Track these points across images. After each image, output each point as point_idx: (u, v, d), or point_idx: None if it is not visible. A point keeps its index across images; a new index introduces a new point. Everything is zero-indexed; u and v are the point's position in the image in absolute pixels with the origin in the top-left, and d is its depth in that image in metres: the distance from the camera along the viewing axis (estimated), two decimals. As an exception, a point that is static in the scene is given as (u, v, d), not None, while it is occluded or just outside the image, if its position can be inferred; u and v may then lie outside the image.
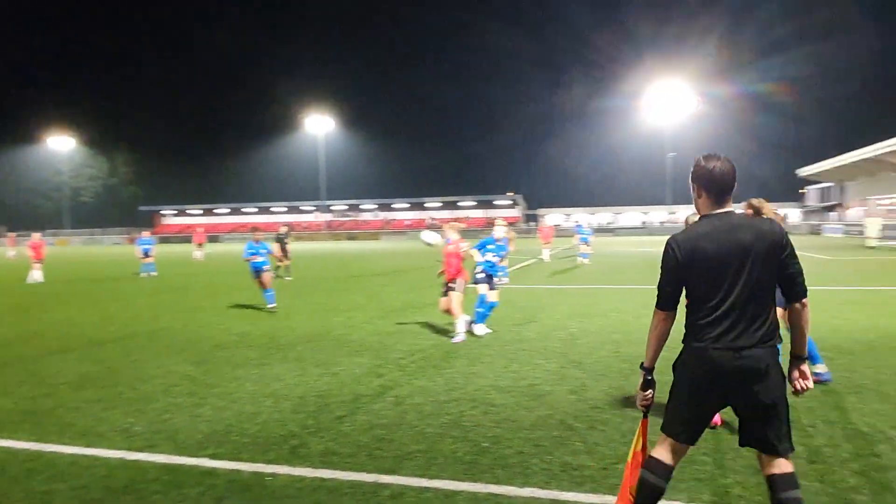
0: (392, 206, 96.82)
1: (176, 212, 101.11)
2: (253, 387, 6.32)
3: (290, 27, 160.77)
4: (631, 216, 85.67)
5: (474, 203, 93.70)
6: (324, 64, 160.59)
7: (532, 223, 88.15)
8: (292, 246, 20.70)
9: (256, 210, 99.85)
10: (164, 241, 76.16)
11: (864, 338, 8.06)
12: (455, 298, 8.66)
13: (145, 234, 22.77)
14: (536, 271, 20.47)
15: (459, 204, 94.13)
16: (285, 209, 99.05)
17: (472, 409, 5.41)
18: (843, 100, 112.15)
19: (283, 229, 20.19)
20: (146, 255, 21.45)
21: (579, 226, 25.41)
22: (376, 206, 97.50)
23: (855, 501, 3.56)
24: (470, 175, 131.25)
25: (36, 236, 21.07)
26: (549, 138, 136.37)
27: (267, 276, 11.99)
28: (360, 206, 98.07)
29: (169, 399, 5.94)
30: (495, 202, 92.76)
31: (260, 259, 12.02)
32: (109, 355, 8.05)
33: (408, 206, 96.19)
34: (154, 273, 21.42)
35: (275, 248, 19.34)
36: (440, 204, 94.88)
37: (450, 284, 8.77)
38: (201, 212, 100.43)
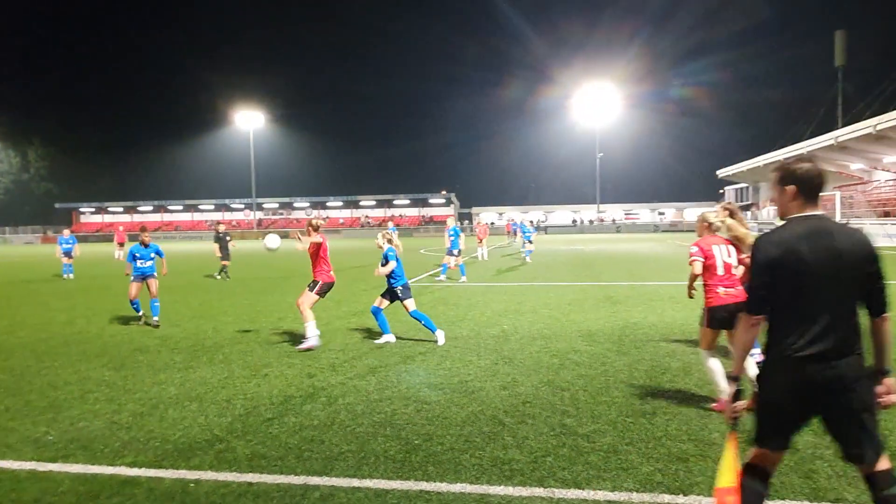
0: (326, 204, 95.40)
1: (95, 209, 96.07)
2: (176, 391, 6.09)
3: (219, 18, 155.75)
4: (562, 215, 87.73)
5: (409, 201, 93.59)
6: (255, 57, 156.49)
7: (466, 222, 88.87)
8: (236, 246, 19.85)
9: (182, 208, 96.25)
10: (83, 239, 72.18)
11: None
12: (308, 298, 8.16)
13: (66, 233, 21.13)
14: (470, 269, 20.65)
15: (394, 202, 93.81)
16: (213, 207, 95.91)
17: (404, 408, 5.41)
18: (758, 104, 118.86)
19: (222, 227, 19.63)
20: (68, 255, 20.08)
21: (522, 224, 26.05)
22: (309, 205, 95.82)
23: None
24: (404, 173, 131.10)
25: None
26: (482, 137, 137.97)
27: (154, 284, 10.40)
28: (293, 205, 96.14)
29: (85, 406, 5.64)
30: (430, 200, 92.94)
31: (147, 263, 10.47)
32: (19, 362, 7.57)
33: (342, 204, 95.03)
34: (71, 275, 20.16)
35: (214, 248, 19.00)
36: (374, 202, 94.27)
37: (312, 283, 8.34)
38: (122, 209, 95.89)
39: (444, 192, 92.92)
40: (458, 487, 3.81)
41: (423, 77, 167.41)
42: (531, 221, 29.09)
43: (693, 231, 52.50)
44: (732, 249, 5.36)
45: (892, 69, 62.41)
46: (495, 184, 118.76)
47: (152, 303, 10.22)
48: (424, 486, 3.85)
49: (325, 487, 3.84)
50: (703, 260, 5.28)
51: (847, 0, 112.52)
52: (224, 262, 18.68)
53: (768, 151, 57.00)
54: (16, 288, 17.52)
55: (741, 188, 78.29)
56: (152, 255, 10.56)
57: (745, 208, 74.73)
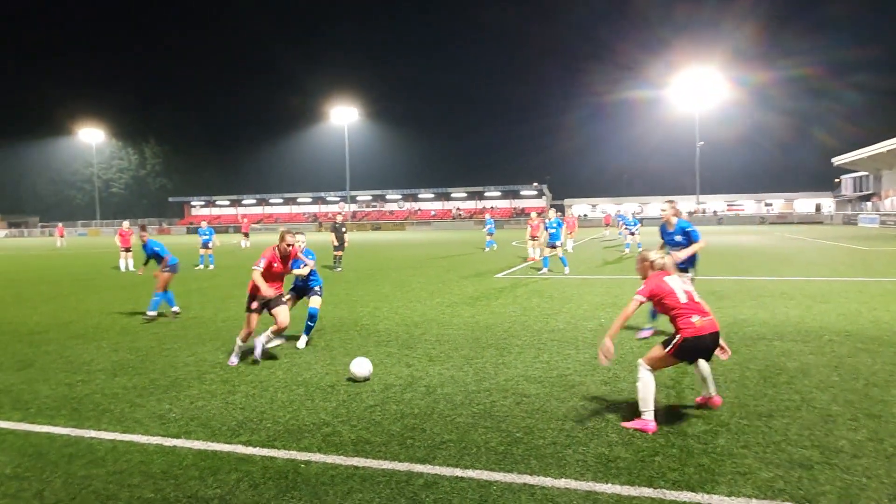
0: (417, 196, 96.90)
1: (204, 202, 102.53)
2: (284, 375, 6.37)
3: (314, 18, 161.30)
4: (658, 206, 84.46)
5: (500, 193, 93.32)
6: (349, 53, 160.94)
7: (559, 214, 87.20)
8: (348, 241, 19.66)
9: (282, 201, 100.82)
10: (193, 231, 77.18)
11: (905, 330, 7.81)
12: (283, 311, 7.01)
13: (204, 225, 21.90)
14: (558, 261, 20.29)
15: (485, 194, 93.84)
16: (310, 200, 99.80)
17: (503, 400, 5.37)
18: (882, 86, 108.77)
19: (340, 218, 19.58)
20: (206, 246, 20.84)
21: (623, 216, 25.73)
22: (401, 197, 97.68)
23: (868, 487, 3.44)
24: (496, 164, 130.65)
25: (125, 225, 21.81)
26: (573, 127, 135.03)
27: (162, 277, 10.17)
28: (386, 197, 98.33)
29: (202, 386, 6.01)
30: (521, 192, 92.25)
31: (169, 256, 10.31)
32: (143, 344, 8.18)
33: (433, 196, 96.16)
34: (212, 266, 20.76)
35: (331, 237, 19.11)
36: (465, 194, 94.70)
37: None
38: (228, 202, 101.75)
39: (535, 184, 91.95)
40: (562, 483, 3.74)
41: (512, 67, 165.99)
42: (633, 213, 28.40)
43: (805, 223, 49.03)
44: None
45: None
46: (588, 174, 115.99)
47: (166, 296, 10.19)
48: (528, 479, 3.80)
49: (428, 475, 3.88)
50: (644, 300, 4.81)
51: None
52: (338, 253, 18.75)
53: (893, 136, 52.12)
54: (144, 274, 18.91)
55: (860, 177, 72.30)
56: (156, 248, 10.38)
57: (866, 198, 68.95)
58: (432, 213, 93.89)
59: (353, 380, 6.00)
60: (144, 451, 4.40)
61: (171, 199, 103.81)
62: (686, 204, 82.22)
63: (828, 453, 4.07)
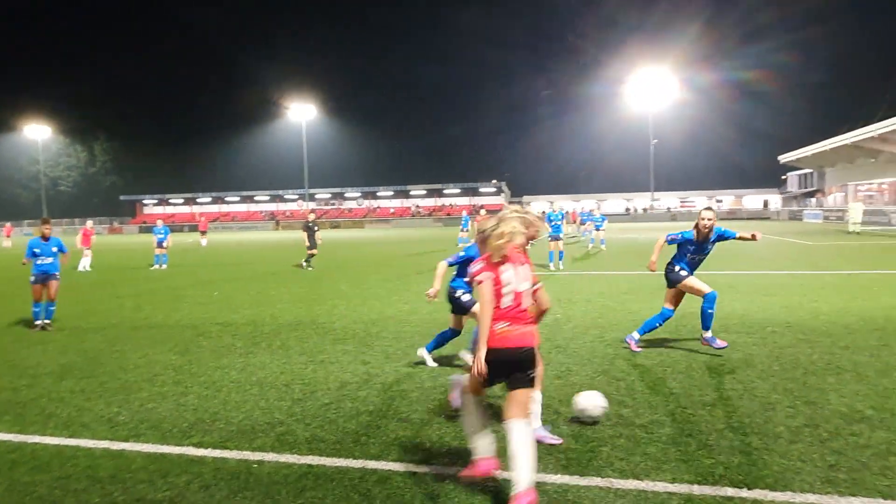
0: (376, 194, 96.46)
1: (157, 201, 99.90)
2: (238, 375, 6.30)
3: (270, 14, 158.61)
4: (614, 203, 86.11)
5: (459, 190, 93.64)
6: (305, 51, 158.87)
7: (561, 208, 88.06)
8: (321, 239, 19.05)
9: (239, 199, 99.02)
10: (146, 231, 75.22)
11: (842, 321, 8.19)
12: None
13: (159, 224, 21.28)
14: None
15: (444, 192, 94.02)
16: (268, 198, 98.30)
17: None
18: (823, 87, 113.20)
19: (312, 217, 19.18)
20: (160, 245, 20.24)
21: (591, 213, 26.23)
22: (360, 195, 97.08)
23: (835, 480, 3.63)
24: (455, 162, 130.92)
25: (88, 224, 21.22)
26: (532, 124, 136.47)
27: (54, 286, 9.25)
28: (344, 195, 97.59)
29: (153, 388, 5.90)
30: (481, 189, 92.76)
31: (48, 260, 9.32)
32: (92, 346, 7.96)
33: (392, 194, 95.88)
34: (164, 265, 20.08)
35: (303, 236, 18.50)
36: (425, 192, 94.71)
37: None
38: (182, 201, 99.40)
39: (494, 181, 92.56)
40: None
41: (472, 63, 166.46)
42: (592, 210, 28.73)
43: (753, 219, 50.61)
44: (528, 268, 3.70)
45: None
46: (545, 172, 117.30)
47: (48, 306, 9.22)
48: (480, 472, 3.86)
49: (382, 471, 3.91)
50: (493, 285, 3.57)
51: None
52: (312, 252, 18.26)
53: (836, 135, 54.32)
54: (88, 277, 18.38)
55: (805, 174, 75.05)
56: (54, 249, 9.46)
57: (810, 195, 71.66)
58: (391, 210, 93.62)
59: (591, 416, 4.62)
60: (91, 455, 4.30)
61: (122, 198, 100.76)
62: (641, 200, 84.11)
63: (766, 439, 4.26)
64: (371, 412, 5.06)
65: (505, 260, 3.61)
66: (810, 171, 72.42)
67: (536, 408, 4.21)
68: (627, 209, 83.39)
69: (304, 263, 18.33)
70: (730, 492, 3.52)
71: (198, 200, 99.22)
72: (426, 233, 52.63)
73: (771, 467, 3.82)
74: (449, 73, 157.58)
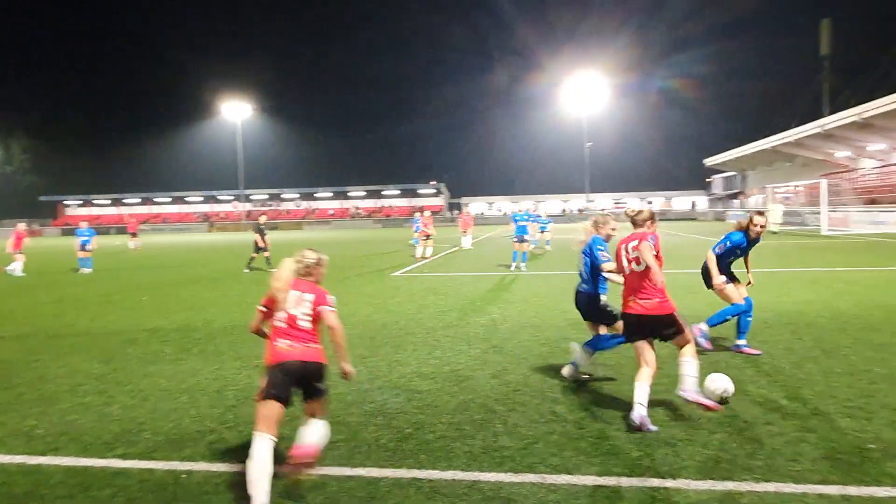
0: (315, 195, 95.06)
1: (81, 202, 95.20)
2: (167, 383, 6.09)
3: (203, 9, 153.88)
4: (551, 204, 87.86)
5: (398, 192, 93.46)
6: (241, 47, 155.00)
7: (455, 212, 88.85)
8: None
9: (170, 200, 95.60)
10: (69, 233, 71.54)
11: (760, 316, 8.63)
12: None
13: (83, 225, 20.22)
14: (459, 259, 20.70)
15: (384, 193, 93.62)
16: (202, 199, 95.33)
17: (395, 397, 5.44)
18: (744, 95, 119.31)
19: (264, 219, 19.33)
20: (83, 248, 19.26)
21: (538, 215, 26.01)
22: (298, 196, 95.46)
23: (752, 467, 3.83)
24: (395, 163, 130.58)
25: (20, 226, 19.74)
26: (471, 126, 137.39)
27: None
28: (282, 196, 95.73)
29: (75, 399, 5.62)
30: (419, 191, 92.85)
31: None
32: (7, 355, 7.52)
33: (331, 195, 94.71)
34: (89, 269, 19.15)
35: (256, 238, 18.36)
36: (364, 193, 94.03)
37: None
38: (109, 202, 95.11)
39: (433, 183, 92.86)
40: (449, 475, 3.85)
41: (410, 63, 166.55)
42: (544, 212, 28.81)
43: (682, 219, 52.35)
44: (310, 297, 4.00)
45: (875, 58, 62.89)
46: (484, 173, 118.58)
47: None
48: (416, 473, 3.88)
49: (316, 476, 3.86)
50: (263, 311, 4.09)
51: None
52: (266, 254, 18.12)
53: (756, 140, 57.27)
54: (14, 280, 17.31)
55: (729, 176, 78.68)
56: None
57: (734, 196, 75.17)
58: (330, 212, 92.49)
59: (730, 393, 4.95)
60: (5, 471, 4.07)
61: (42, 199, 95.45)
62: (576, 201, 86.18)
63: (690, 431, 4.45)
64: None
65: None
66: (733, 173, 76.03)
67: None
68: (563, 210, 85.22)
69: (248, 265, 18.15)
70: (655, 482, 3.67)
71: (125, 201, 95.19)
72: (366, 234, 52.27)
73: (694, 457, 4.00)
74: (389, 73, 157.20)
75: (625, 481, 3.70)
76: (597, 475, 3.79)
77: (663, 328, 4.80)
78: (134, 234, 34.04)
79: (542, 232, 24.75)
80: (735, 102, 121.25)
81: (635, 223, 5.00)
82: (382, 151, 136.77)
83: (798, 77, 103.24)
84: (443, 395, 5.47)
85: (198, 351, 7.48)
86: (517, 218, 16.65)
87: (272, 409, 3.71)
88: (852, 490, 3.49)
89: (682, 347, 4.84)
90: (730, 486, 3.59)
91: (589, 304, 5.71)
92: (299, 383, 3.86)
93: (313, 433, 3.76)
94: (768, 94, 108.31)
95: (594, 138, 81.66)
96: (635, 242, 4.76)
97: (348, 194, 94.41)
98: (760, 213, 6.94)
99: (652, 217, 4.96)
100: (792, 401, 5.05)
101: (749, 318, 6.80)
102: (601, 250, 5.58)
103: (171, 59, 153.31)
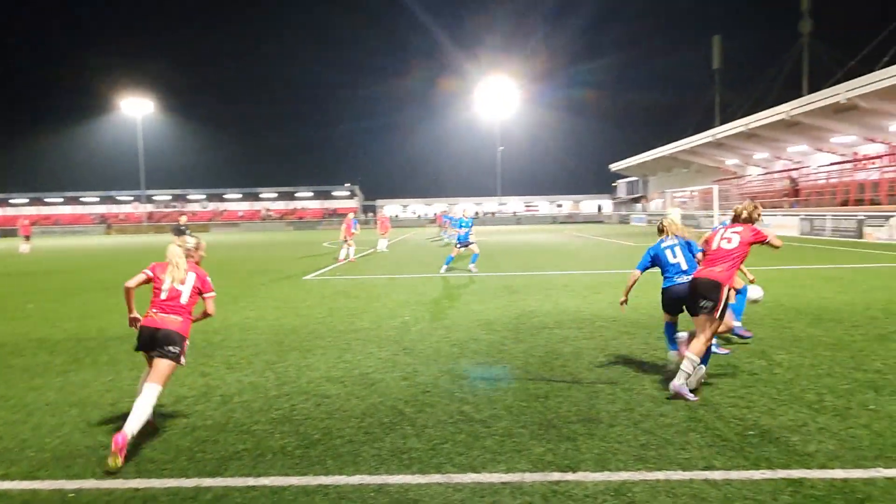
0: (223, 196, 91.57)
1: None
2: (55, 396, 5.69)
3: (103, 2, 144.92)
4: (465, 206, 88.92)
5: (311, 194, 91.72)
6: (143, 40, 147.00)
7: (370, 214, 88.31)
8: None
9: (62, 200, 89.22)
10: (-57, 235, 65.44)
11: (657, 313, 9.09)
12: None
13: None
14: (373, 261, 20.59)
15: (296, 195, 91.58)
16: (98, 199, 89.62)
17: (303, 403, 5.34)
18: (647, 104, 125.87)
19: (184, 219, 18.40)
20: None
21: (460, 218, 26.00)
22: (204, 197, 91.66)
23: (645, 457, 4.05)
24: (307, 164, 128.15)
25: None
26: (386, 129, 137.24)
27: None
28: (187, 197, 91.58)
29: (-54, 418, 5.15)
30: (333, 193, 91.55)
31: None
32: None
33: (240, 196, 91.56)
34: None
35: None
36: (276, 195, 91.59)
37: None
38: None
39: (347, 185, 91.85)
40: (356, 479, 3.83)
41: (323, 64, 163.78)
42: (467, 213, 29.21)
43: (589, 222, 54.36)
44: (192, 277, 4.81)
45: (761, 72, 68.08)
46: (398, 176, 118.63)
47: None
48: (323, 479, 3.83)
49: (218, 488, 3.74)
50: (147, 275, 4.72)
51: (722, 8, 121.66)
52: None
53: (656, 147, 60.52)
54: None
55: (632, 181, 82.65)
56: None
57: (636, 200, 79.01)
58: (240, 214, 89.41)
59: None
60: None
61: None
62: (489, 204, 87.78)
63: (590, 425, 4.65)
64: (209, 426, 4.81)
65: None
66: (636, 178, 79.96)
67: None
68: (476, 213, 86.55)
69: None
70: (556, 476, 3.81)
71: (11, 201, 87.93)
72: (277, 237, 50.89)
73: (592, 450, 4.18)
74: (303, 73, 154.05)
75: (528, 477, 3.81)
76: (502, 472, 3.88)
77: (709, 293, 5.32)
78: (27, 237, 31.69)
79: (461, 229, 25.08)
80: (639, 111, 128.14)
81: (738, 216, 5.82)
82: (295, 153, 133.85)
83: (695, 88, 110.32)
84: (352, 398, 5.43)
85: (90, 361, 7.04)
86: (462, 224, 16.34)
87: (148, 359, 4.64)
88: (733, 474, 3.76)
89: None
90: (624, 476, 3.78)
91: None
92: (154, 345, 4.55)
93: (141, 409, 4.31)
94: (669, 104, 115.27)
95: (506, 143, 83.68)
96: (737, 228, 5.55)
97: (259, 196, 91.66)
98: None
99: (751, 214, 5.80)
100: (683, 393, 5.36)
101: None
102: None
103: (65, 52, 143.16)
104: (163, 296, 4.68)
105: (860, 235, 26.26)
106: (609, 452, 4.14)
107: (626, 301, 6.38)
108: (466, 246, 16.42)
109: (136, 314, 4.80)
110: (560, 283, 13.24)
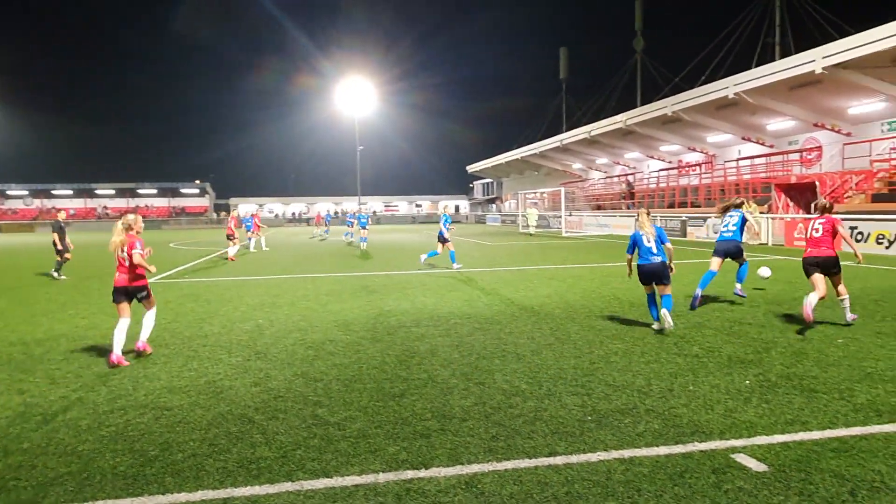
0: (51, 192, 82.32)
1: None
2: None
3: None
4: (324, 206, 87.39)
5: (156, 191, 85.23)
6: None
7: (223, 213, 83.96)
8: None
9: None
10: None
11: (508, 310, 9.57)
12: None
13: None
14: (225, 263, 19.55)
15: (139, 191, 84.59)
16: None
17: (140, 417, 4.93)
18: (500, 109, 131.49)
19: (63, 215, 16.42)
20: None
21: (359, 214, 28.55)
22: (28, 193, 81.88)
23: (495, 448, 4.20)
24: (151, 160, 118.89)
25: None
26: (238, 125, 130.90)
27: None
28: (7, 193, 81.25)
29: None
30: (182, 190, 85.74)
31: None
32: None
33: (72, 192, 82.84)
34: None
35: (54, 238, 15.58)
36: (114, 191, 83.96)
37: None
38: None
39: (197, 182, 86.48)
40: (199, 495, 3.60)
41: (172, 55, 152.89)
42: (365, 211, 30.60)
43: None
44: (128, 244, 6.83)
45: (603, 83, 73.69)
46: (254, 174, 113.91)
47: None
48: (160, 499, 3.56)
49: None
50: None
51: (569, 22, 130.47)
52: (67, 257, 15.78)
53: (510, 150, 63.36)
54: None
55: (487, 183, 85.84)
56: None
57: (492, 201, 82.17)
58: (72, 212, 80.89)
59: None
60: None
61: None
62: (349, 204, 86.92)
63: (443, 421, 4.74)
64: (25, 450, 4.28)
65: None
66: (491, 180, 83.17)
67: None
68: (337, 212, 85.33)
69: (56, 273, 15.51)
70: (410, 474, 3.83)
71: None
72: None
73: (445, 446, 4.26)
74: (143, 62, 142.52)
75: (382, 477, 3.80)
76: (356, 475, 3.84)
77: (831, 267, 7.69)
78: None
79: (364, 229, 26.35)
80: (495, 115, 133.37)
81: (817, 207, 8.14)
82: (138, 148, 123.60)
83: (546, 95, 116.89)
84: (196, 409, 5.10)
85: None
86: (445, 220, 16.41)
87: (122, 306, 6.88)
88: (573, 458, 4.02)
89: (837, 287, 7.86)
90: (475, 468, 3.90)
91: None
92: (128, 295, 6.91)
93: (146, 326, 7.10)
94: (523, 109, 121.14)
95: (366, 143, 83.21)
96: (822, 220, 7.87)
97: (95, 192, 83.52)
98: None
99: (824, 207, 8.05)
100: (531, 384, 5.65)
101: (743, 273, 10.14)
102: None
103: None
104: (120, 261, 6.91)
105: (685, 234, 29.29)
106: (461, 446, 4.25)
107: (631, 272, 8.18)
108: (446, 242, 15.94)
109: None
110: (418, 281, 13.40)
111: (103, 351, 7.19)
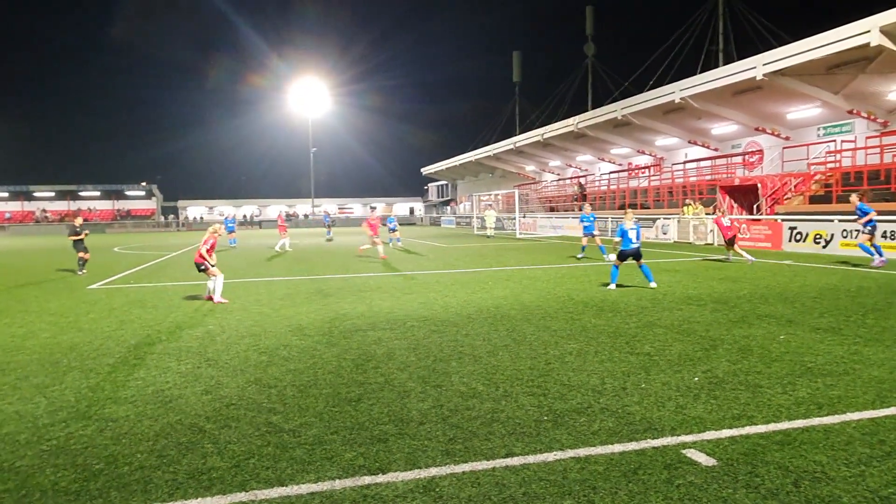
0: (-16, 195, 78.47)
1: None
2: None
3: None
4: (277, 209, 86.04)
5: (99, 193, 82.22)
6: None
7: (171, 216, 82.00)
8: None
9: None
10: None
11: (465, 312, 9.59)
12: None
13: None
14: (174, 268, 19.00)
15: (80, 193, 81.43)
16: None
17: (83, 429, 4.72)
18: (455, 112, 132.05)
19: (79, 220, 18.62)
20: None
21: (389, 217, 30.09)
22: (-44, 195, 77.82)
23: (452, 451, 4.19)
24: (94, 161, 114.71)
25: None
26: (187, 126, 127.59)
27: None
28: (-68, 195, 77.06)
29: None
30: (127, 193, 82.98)
31: None
32: None
33: (7, 195, 79.12)
34: None
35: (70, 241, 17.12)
36: (54, 194, 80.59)
37: None
38: None
39: (143, 184, 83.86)
40: (147, 509, 3.47)
41: (112, 49, 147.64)
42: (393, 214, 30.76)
43: (403, 224, 54.87)
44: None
45: (555, 87, 74.78)
46: (204, 175, 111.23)
47: None
48: (105, 514, 3.41)
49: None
50: None
51: (522, 27, 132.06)
52: (86, 256, 17.58)
53: (465, 152, 63.64)
54: None
55: (442, 185, 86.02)
56: None
57: (446, 203, 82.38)
58: (7, 215, 77.26)
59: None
60: None
61: None
62: (302, 206, 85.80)
63: (401, 425, 4.71)
64: (-43, 468, 4.05)
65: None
66: (446, 182, 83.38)
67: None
68: (289, 215, 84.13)
69: (82, 271, 17.11)
70: (367, 480, 3.79)
71: None
72: (57, 241, 44.77)
73: (403, 450, 4.23)
74: (87, 58, 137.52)
75: (338, 483, 3.75)
76: (311, 482, 3.77)
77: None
78: None
79: (393, 231, 28.06)
80: (450, 117, 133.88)
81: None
82: (79, 148, 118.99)
83: (500, 98, 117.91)
84: (144, 419, 4.92)
85: None
86: (583, 219, 19.58)
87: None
88: (531, 458, 4.04)
89: None
90: (433, 471, 3.88)
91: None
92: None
93: (216, 285, 10.83)
94: (478, 112, 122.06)
95: (320, 145, 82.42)
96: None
97: (33, 194, 80.00)
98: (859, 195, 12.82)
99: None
100: (488, 386, 5.67)
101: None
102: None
103: None
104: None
105: (634, 235, 29.97)
106: (419, 450, 4.22)
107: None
108: (594, 237, 19.71)
109: None
110: (374, 285, 13.31)
111: (42, 361, 6.88)
